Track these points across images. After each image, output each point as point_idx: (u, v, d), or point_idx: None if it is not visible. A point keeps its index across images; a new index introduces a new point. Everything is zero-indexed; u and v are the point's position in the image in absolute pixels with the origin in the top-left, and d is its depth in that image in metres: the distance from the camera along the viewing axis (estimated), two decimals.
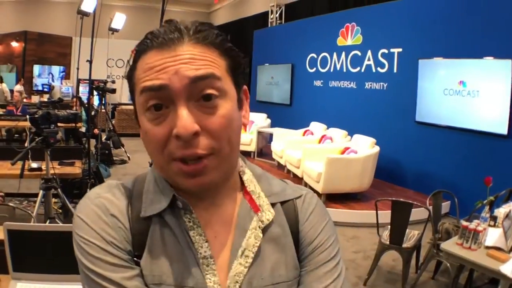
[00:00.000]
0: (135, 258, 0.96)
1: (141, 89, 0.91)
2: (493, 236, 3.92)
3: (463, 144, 7.60)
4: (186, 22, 0.94)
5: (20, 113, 10.77)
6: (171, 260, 0.95)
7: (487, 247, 3.82)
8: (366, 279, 5.12)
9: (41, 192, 4.88)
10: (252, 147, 11.34)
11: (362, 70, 10.28)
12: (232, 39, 0.97)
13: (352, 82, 10.71)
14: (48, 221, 4.78)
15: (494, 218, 4.20)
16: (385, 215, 5.12)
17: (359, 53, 10.38)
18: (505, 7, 6.84)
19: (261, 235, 1.01)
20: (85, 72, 8.49)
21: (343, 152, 8.10)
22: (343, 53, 11.00)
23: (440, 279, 5.22)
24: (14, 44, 18.67)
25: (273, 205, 1.06)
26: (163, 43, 0.90)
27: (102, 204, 0.97)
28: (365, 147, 7.86)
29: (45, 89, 18.52)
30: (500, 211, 4.26)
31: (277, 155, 10.22)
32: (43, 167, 5.01)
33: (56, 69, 19.46)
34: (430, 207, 4.96)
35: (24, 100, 13.67)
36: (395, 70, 9.28)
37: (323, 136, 9.57)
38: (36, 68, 19.02)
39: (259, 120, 11.95)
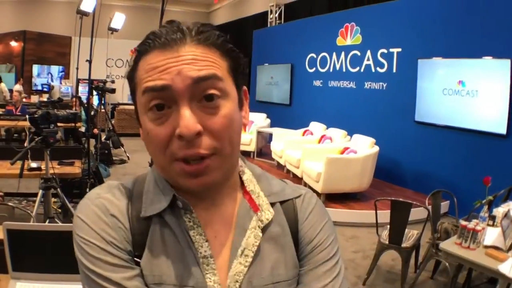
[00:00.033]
0: (135, 258, 0.96)
1: (144, 89, 0.91)
2: (491, 235, 3.93)
3: (462, 144, 7.61)
4: (188, 23, 0.95)
5: (19, 113, 10.76)
6: (171, 260, 0.95)
7: (486, 247, 3.82)
8: (365, 279, 5.12)
9: (40, 192, 4.88)
10: (251, 147, 11.33)
11: (362, 70, 10.28)
12: (231, 39, 0.97)
13: (351, 82, 10.71)
14: (47, 221, 4.78)
15: (492, 218, 4.21)
16: (385, 215, 5.13)
17: (359, 53, 10.38)
18: (504, 7, 6.84)
19: (260, 234, 1.01)
20: (84, 72, 8.49)
21: (342, 152, 8.10)
22: (343, 53, 11.00)
23: (439, 279, 5.23)
24: (13, 43, 18.64)
25: (272, 204, 1.06)
26: (165, 44, 0.91)
27: (102, 205, 0.98)
28: (365, 147, 7.87)
29: (45, 89, 18.49)
30: (499, 211, 4.27)
31: (276, 155, 10.22)
32: (43, 166, 5.01)
33: (55, 69, 19.43)
34: (429, 207, 4.97)
35: (24, 100, 13.66)
36: (394, 70, 9.28)
37: (322, 136, 9.57)
38: (35, 68, 18.99)
39: (259, 120, 11.94)
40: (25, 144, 7.59)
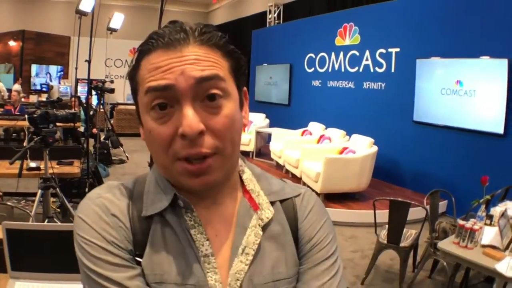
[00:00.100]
0: (136, 258, 0.96)
1: (147, 89, 0.91)
2: (489, 234, 3.94)
3: (460, 143, 7.62)
4: (190, 23, 0.95)
5: (18, 113, 10.76)
6: (172, 259, 0.96)
7: (483, 246, 3.84)
8: (364, 278, 5.13)
9: (39, 192, 4.88)
10: (250, 147, 11.34)
11: (360, 70, 10.29)
12: (230, 39, 0.98)
13: (350, 82, 10.71)
14: (46, 221, 4.77)
15: (490, 217, 4.21)
16: (383, 215, 5.13)
17: (357, 53, 10.39)
18: (502, 7, 6.85)
19: (261, 232, 1.02)
20: (83, 71, 8.51)
21: (341, 152, 8.11)
22: (341, 53, 11.00)
23: (436, 278, 5.24)
24: (12, 43, 18.59)
25: (272, 203, 1.07)
26: (169, 44, 0.91)
27: (103, 204, 0.98)
28: (363, 147, 7.87)
29: (44, 89, 18.46)
30: (496, 210, 4.27)
31: (275, 155, 10.22)
32: (42, 166, 5.01)
33: (53, 69, 19.40)
34: (428, 207, 4.97)
35: (22, 99, 13.65)
36: (392, 70, 9.29)
37: (321, 136, 9.57)
38: (34, 68, 18.96)
39: (258, 120, 11.95)
40: (24, 144, 7.61)
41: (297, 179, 8.38)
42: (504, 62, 6.69)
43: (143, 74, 0.94)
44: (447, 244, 3.99)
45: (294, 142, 9.50)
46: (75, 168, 5.93)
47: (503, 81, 6.73)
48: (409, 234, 5.11)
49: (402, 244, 4.90)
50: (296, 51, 13.04)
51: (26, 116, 4.66)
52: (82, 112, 9.53)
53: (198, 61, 0.90)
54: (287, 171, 9.47)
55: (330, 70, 11.52)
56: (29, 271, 2.35)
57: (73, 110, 6.18)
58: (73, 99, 11.85)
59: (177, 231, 0.97)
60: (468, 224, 3.88)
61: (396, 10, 9.21)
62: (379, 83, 9.65)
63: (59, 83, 18.83)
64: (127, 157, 11.50)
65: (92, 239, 0.94)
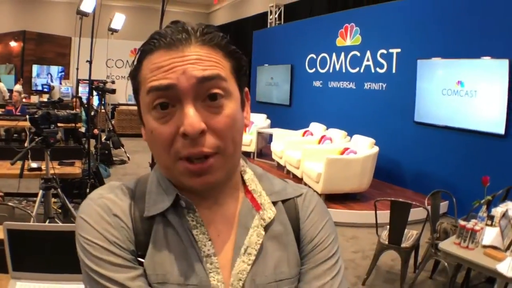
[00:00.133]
0: (138, 258, 0.96)
1: (149, 88, 0.92)
2: (490, 235, 3.93)
3: (461, 144, 7.61)
4: (192, 24, 0.96)
5: (19, 113, 10.76)
6: (174, 259, 0.96)
7: (484, 246, 3.83)
8: (365, 279, 5.13)
9: (40, 192, 4.88)
10: (251, 148, 11.33)
11: (361, 70, 10.28)
12: (231, 39, 0.99)
13: (351, 83, 10.71)
14: (47, 221, 4.78)
15: (491, 218, 4.21)
16: (384, 215, 5.12)
17: (358, 54, 10.38)
18: (502, 7, 6.85)
19: (263, 232, 1.02)
20: (84, 72, 8.49)
21: (342, 153, 8.11)
22: (342, 54, 11.00)
23: (438, 279, 5.24)
24: (13, 43, 18.61)
25: (274, 203, 1.07)
26: (171, 43, 0.92)
27: (105, 205, 0.98)
28: (365, 147, 7.87)
29: (45, 89, 18.47)
30: (497, 211, 4.27)
31: (276, 156, 10.22)
32: (43, 167, 5.01)
33: (54, 69, 19.41)
34: (429, 207, 4.98)
35: (23, 100, 13.66)
36: (394, 71, 9.29)
37: (322, 137, 9.57)
38: (35, 68, 18.97)
39: (259, 121, 11.94)
40: (25, 144, 7.61)
41: (298, 180, 8.38)
42: (505, 63, 6.69)
43: (145, 73, 0.94)
44: (448, 245, 3.99)
45: (295, 142, 9.49)
46: (76, 168, 5.93)
47: (504, 82, 6.72)
48: (410, 235, 5.11)
49: (403, 245, 4.90)
50: (297, 51, 13.04)
51: (27, 116, 4.66)
52: (83, 113, 9.53)
53: (199, 61, 0.91)
54: (288, 172, 9.47)
55: (331, 70, 11.51)
56: (30, 272, 2.35)
57: (74, 111, 6.16)
58: (74, 99, 11.84)
59: (179, 232, 0.97)
60: (469, 224, 3.87)
61: (397, 11, 9.20)
62: (380, 84, 9.65)
63: (60, 83, 18.84)
64: (128, 157, 11.50)
65: (94, 239, 0.94)
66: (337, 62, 11.21)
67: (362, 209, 7.32)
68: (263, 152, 11.81)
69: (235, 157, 0.99)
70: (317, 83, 12.17)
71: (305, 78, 12.68)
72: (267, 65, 14.86)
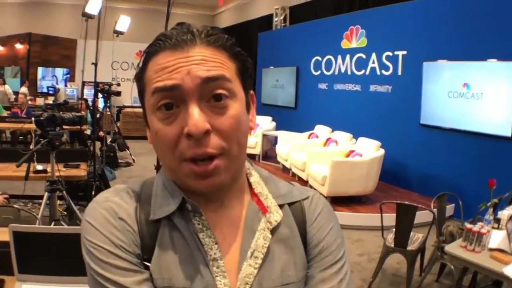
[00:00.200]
0: (144, 262, 0.96)
1: (153, 89, 0.91)
2: (496, 238, 3.92)
3: (467, 146, 7.59)
4: (197, 26, 0.96)
5: (25, 115, 10.81)
6: (180, 263, 0.95)
7: (491, 249, 3.82)
8: (371, 282, 5.11)
9: (46, 194, 4.89)
10: (257, 150, 11.34)
11: (367, 72, 10.27)
12: (236, 41, 0.98)
13: (356, 85, 10.69)
14: (53, 223, 4.78)
15: (497, 221, 4.19)
16: (390, 218, 5.11)
17: (364, 56, 10.37)
18: (509, 10, 6.83)
19: (269, 235, 1.01)
20: (90, 74, 8.52)
21: (348, 155, 8.10)
22: (348, 56, 10.98)
23: (444, 282, 5.22)
24: (19, 46, 18.68)
25: (281, 206, 1.06)
26: (176, 44, 0.92)
27: (110, 208, 0.97)
28: (370, 150, 7.87)
29: (50, 92, 18.51)
30: (504, 213, 4.25)
31: (282, 158, 10.21)
32: (48, 169, 5.03)
33: (60, 72, 19.46)
34: (435, 210, 4.96)
35: (29, 102, 13.70)
36: (399, 73, 9.27)
37: (328, 139, 9.56)
38: (40, 70, 19.03)
39: (264, 123, 11.96)
40: (31, 147, 7.63)
41: (303, 182, 8.36)
42: (511, 65, 6.67)
43: (150, 75, 0.94)
44: (455, 248, 3.97)
45: (301, 145, 9.49)
46: (81, 171, 5.95)
47: (510, 84, 6.71)
48: (416, 238, 5.09)
49: (409, 248, 4.88)
50: (303, 54, 13.03)
51: (33, 118, 4.69)
52: (89, 115, 9.55)
53: (204, 62, 0.91)
54: (294, 174, 9.47)
55: (336, 73, 11.50)
56: (35, 274, 2.35)
57: (79, 113, 6.18)
58: (80, 101, 11.86)
59: (185, 235, 0.97)
60: (476, 227, 3.86)
61: (403, 13, 9.19)
62: (386, 86, 9.63)
63: (66, 85, 18.88)
64: (133, 160, 11.51)
65: (100, 243, 0.93)
66: (343, 65, 11.20)
67: (368, 211, 7.32)
68: (268, 154, 11.84)
69: (240, 159, 0.99)
70: (322, 86, 12.15)
71: (310, 80, 12.67)
72: (272, 67, 14.86)
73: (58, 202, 5.30)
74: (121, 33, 14.39)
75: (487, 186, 4.72)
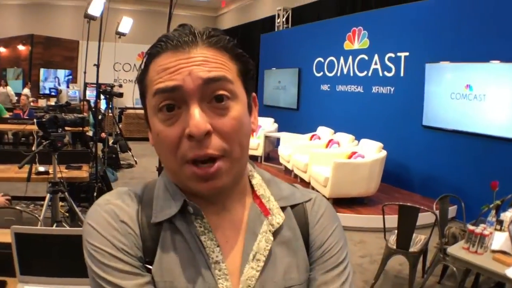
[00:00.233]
0: (146, 265, 0.95)
1: (155, 91, 0.91)
2: (499, 240, 3.91)
3: (470, 148, 7.59)
4: (199, 28, 0.96)
5: (27, 117, 10.82)
6: (182, 266, 0.95)
7: (493, 251, 3.81)
8: (373, 284, 5.11)
9: (48, 196, 4.89)
10: (259, 152, 11.34)
11: (369, 74, 10.27)
12: (239, 43, 0.98)
13: (359, 86, 10.70)
14: (55, 225, 4.78)
15: (500, 222, 4.19)
16: (392, 220, 5.11)
17: (366, 57, 10.38)
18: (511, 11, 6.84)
19: (272, 238, 1.00)
20: (92, 76, 8.51)
21: (350, 157, 8.10)
22: (350, 57, 10.99)
23: (446, 284, 5.21)
24: (21, 47, 18.73)
25: (283, 209, 1.06)
26: (177, 46, 0.92)
27: (112, 211, 0.97)
28: (372, 151, 7.86)
29: (52, 93, 18.55)
30: (506, 215, 4.25)
31: (284, 160, 10.21)
32: (50, 170, 5.03)
33: (61, 73, 19.49)
34: (437, 212, 4.95)
35: (31, 103, 13.72)
36: (402, 74, 9.27)
37: (330, 141, 9.56)
38: (42, 72, 19.05)
39: (266, 125, 11.97)
40: (33, 148, 7.62)
41: (305, 184, 8.35)
42: None
43: (151, 76, 0.94)
44: (457, 250, 3.97)
45: (303, 146, 9.48)
46: (83, 172, 5.95)
47: None
48: (418, 239, 5.08)
49: (411, 249, 4.87)
50: (305, 55, 13.04)
51: (35, 120, 4.67)
52: (91, 117, 9.55)
53: (206, 62, 0.91)
54: (296, 176, 9.46)
55: (338, 74, 11.51)
56: (37, 276, 2.35)
57: (82, 115, 6.18)
58: (83, 103, 11.89)
59: (187, 238, 0.96)
60: (478, 229, 3.85)
61: (405, 14, 9.19)
62: (388, 88, 9.63)
63: (68, 87, 18.91)
64: (135, 161, 11.51)
65: (102, 246, 0.93)
66: (345, 66, 11.21)
67: (370, 213, 7.31)
68: (271, 156, 11.84)
69: (242, 161, 0.98)
70: (324, 87, 12.16)
71: (312, 81, 12.69)
72: (274, 68, 14.88)
73: (60, 203, 5.32)
74: (123, 34, 14.42)
75: (490, 187, 4.71)
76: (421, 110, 8.49)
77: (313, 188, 7.76)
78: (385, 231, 5.05)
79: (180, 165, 0.92)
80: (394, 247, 4.92)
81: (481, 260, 3.74)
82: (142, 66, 0.98)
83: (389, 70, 9.58)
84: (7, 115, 11.78)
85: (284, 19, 15.37)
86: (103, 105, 12.24)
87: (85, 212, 5.71)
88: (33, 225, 3.61)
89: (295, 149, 9.46)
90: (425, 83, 8.38)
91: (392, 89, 9.54)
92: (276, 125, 12.24)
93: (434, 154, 8.37)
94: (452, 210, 7.02)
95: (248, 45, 16.83)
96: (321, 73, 12.29)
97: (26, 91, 15.00)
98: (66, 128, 4.88)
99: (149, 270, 0.95)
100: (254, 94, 1.05)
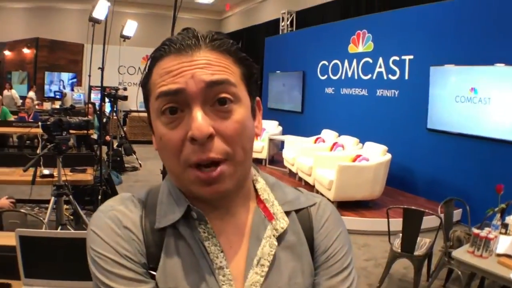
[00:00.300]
0: (150, 271, 0.95)
1: (158, 94, 0.91)
2: (504, 243, 3.90)
3: (475, 151, 7.57)
4: (203, 31, 0.96)
5: (32, 120, 10.84)
6: (186, 272, 0.94)
7: (498, 255, 3.80)
8: (378, 287, 5.10)
9: (52, 199, 4.89)
10: (263, 155, 11.35)
11: (374, 77, 10.26)
12: (243, 46, 0.98)
13: (363, 90, 10.69)
14: (59, 228, 4.79)
15: (505, 226, 4.18)
16: (397, 223, 5.10)
17: (371, 60, 10.37)
18: None
19: (276, 243, 1.00)
20: (96, 79, 8.52)
21: (354, 160, 8.09)
22: (355, 60, 10.99)
23: (451, 287, 5.20)
24: (26, 50, 18.78)
25: (287, 213, 1.06)
26: (180, 49, 0.92)
27: (115, 217, 0.97)
28: (377, 154, 7.85)
29: (57, 96, 18.59)
30: (511, 219, 4.24)
31: (288, 163, 10.21)
32: (55, 173, 5.03)
33: (65, 76, 19.53)
34: (442, 215, 4.95)
35: (36, 107, 13.75)
36: (406, 77, 9.26)
37: (334, 144, 9.55)
38: (47, 75, 19.09)
39: (271, 128, 11.97)
40: (38, 151, 7.63)
41: (310, 187, 8.36)
42: None
43: (154, 79, 0.94)
44: (462, 253, 3.96)
45: (307, 149, 9.48)
46: (88, 175, 5.96)
47: None
48: (423, 243, 5.07)
49: (416, 253, 4.87)
50: (309, 58, 13.04)
51: (40, 123, 4.68)
52: (95, 120, 9.56)
53: (209, 65, 0.90)
54: (300, 179, 9.46)
55: (343, 77, 11.50)
56: (42, 278, 2.36)
57: (86, 118, 6.19)
58: (88, 105, 11.89)
59: (190, 244, 0.96)
60: (483, 233, 3.85)
61: (409, 17, 9.18)
62: (393, 91, 9.62)
63: (72, 90, 18.94)
64: (140, 164, 11.54)
65: (105, 252, 0.93)
66: (349, 69, 11.21)
67: (374, 216, 7.29)
68: (275, 159, 11.85)
69: (245, 165, 0.98)
70: (329, 90, 12.16)
71: (317, 84, 12.68)
72: (279, 71, 14.88)
73: (65, 206, 5.32)
74: (128, 37, 14.42)
75: (495, 191, 4.70)
76: (426, 113, 8.48)
77: (317, 191, 7.76)
78: (389, 235, 5.04)
79: (183, 169, 0.92)
80: (399, 250, 4.91)
81: (486, 264, 3.73)
82: (146, 70, 0.98)
83: (394, 73, 9.57)
84: (12, 118, 11.80)
85: (288, 22, 15.36)
86: (107, 108, 12.26)
87: (89, 215, 5.71)
88: (38, 228, 3.62)
89: (300, 152, 9.46)
90: (430, 86, 8.36)
91: (396, 92, 9.53)
92: (280, 128, 12.25)
93: (439, 157, 8.36)
94: (457, 214, 7.01)
95: (252, 48, 16.84)
96: (326, 76, 12.29)
97: (31, 94, 15.04)
98: (71, 131, 4.89)
99: (153, 276, 0.95)
100: (258, 98, 1.04)
